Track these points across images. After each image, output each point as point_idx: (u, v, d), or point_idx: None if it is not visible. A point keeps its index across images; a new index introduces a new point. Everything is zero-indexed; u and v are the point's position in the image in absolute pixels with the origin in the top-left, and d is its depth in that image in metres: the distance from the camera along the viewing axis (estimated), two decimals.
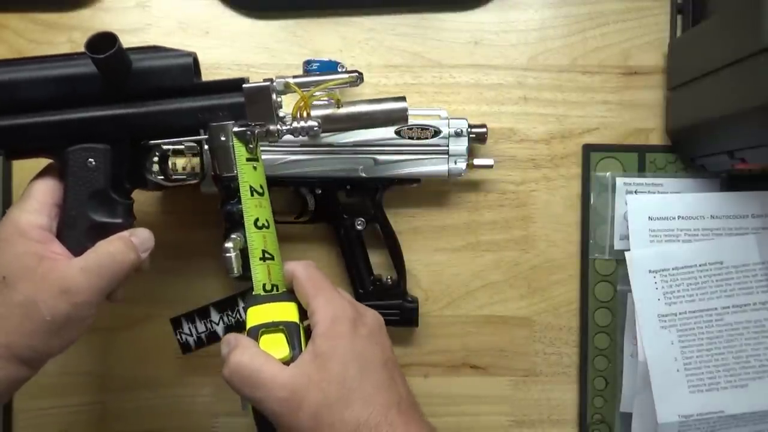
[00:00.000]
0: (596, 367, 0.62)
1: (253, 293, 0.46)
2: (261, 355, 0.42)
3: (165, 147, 0.49)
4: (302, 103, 0.48)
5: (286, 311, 0.45)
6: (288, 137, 0.57)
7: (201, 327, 0.62)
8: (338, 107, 0.51)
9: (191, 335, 0.62)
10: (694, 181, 0.61)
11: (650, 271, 0.59)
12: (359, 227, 0.59)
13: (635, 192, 0.61)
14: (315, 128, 0.48)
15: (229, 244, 0.48)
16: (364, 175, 0.58)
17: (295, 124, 0.48)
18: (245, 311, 0.45)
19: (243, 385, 0.42)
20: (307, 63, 0.57)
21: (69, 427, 0.62)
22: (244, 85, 0.46)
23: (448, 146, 0.58)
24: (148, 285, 0.62)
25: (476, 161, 0.59)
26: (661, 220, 0.60)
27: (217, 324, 0.62)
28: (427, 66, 0.62)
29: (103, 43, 0.42)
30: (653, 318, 0.58)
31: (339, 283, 0.62)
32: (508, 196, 0.62)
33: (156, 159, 0.50)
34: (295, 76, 0.48)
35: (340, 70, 0.57)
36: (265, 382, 0.41)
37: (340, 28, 0.62)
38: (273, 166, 0.57)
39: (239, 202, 0.46)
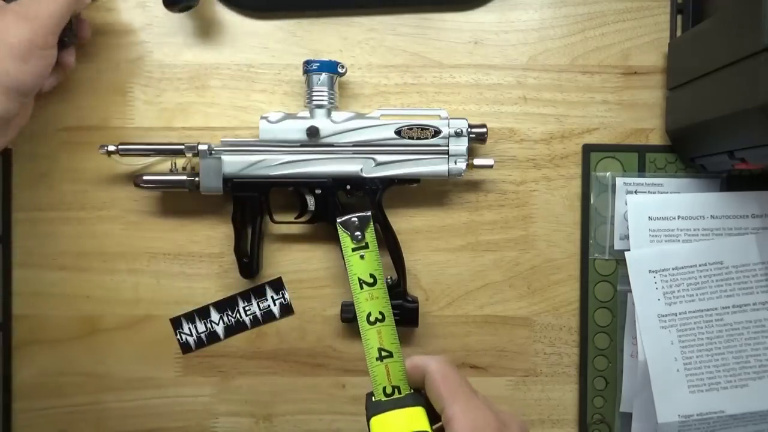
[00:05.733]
0: (596, 367, 0.62)
1: (374, 399, 0.42)
2: None
3: None
4: None
5: (415, 419, 0.40)
6: (287, 137, 0.57)
7: (201, 327, 0.62)
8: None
9: (191, 335, 0.62)
10: (694, 181, 0.61)
11: (650, 271, 0.59)
12: None
13: (635, 192, 0.61)
14: None
15: None
16: (364, 175, 0.58)
17: None
18: (368, 421, 0.41)
19: None
20: (307, 63, 0.57)
21: (68, 427, 0.62)
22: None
23: (448, 146, 0.58)
24: (148, 285, 0.62)
25: (476, 161, 0.59)
26: (661, 220, 0.60)
27: (217, 324, 0.62)
28: (427, 66, 0.62)
29: None
30: (653, 318, 0.58)
31: (339, 283, 0.62)
32: (508, 196, 0.62)
33: None
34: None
35: (340, 70, 0.58)
36: None
37: (340, 28, 0.62)
38: (273, 166, 0.57)
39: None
